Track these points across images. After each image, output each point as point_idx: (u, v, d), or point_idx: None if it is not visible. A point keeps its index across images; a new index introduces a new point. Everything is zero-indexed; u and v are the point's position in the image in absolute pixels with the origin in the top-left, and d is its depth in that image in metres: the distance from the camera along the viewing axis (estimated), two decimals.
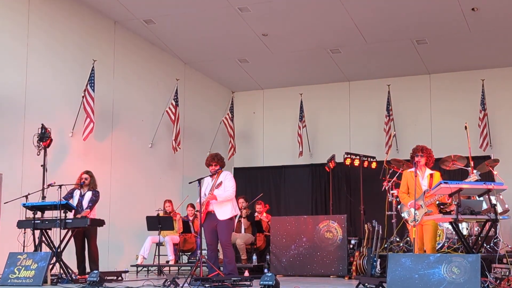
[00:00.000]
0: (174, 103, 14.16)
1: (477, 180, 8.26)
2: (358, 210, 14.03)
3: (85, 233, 9.70)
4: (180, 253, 12.63)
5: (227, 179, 8.79)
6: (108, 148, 12.98)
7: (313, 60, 15.16)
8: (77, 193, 9.92)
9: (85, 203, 9.78)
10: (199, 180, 8.75)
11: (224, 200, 8.72)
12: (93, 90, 12.00)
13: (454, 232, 9.16)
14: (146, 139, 14.07)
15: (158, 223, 11.76)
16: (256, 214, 12.65)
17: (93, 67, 12.08)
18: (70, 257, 9.74)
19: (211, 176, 8.89)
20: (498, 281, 6.93)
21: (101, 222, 9.62)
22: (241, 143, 16.80)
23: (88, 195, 9.84)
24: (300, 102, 16.00)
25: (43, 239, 9.24)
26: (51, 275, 8.69)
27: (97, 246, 9.84)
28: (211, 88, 16.57)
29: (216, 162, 8.84)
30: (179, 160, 15.02)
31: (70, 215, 9.42)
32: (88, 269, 9.78)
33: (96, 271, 8.38)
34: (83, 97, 11.95)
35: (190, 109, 15.52)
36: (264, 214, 12.76)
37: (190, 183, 9.17)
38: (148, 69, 14.32)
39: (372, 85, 15.96)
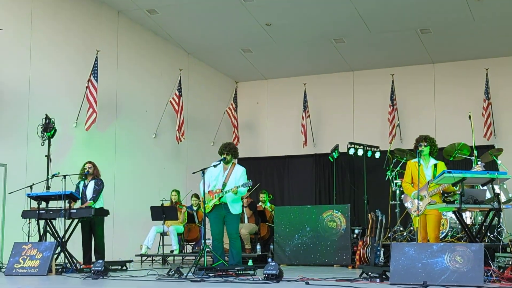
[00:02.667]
0: (177, 93, 14.17)
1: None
2: (361, 199, 14.05)
3: (91, 223, 9.72)
4: (184, 243, 12.67)
5: (243, 177, 8.69)
6: (112, 138, 13.00)
7: (317, 50, 15.13)
8: (81, 184, 9.92)
9: (89, 193, 9.76)
10: (203, 170, 8.72)
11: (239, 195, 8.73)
12: (97, 81, 12.01)
13: (457, 222, 9.15)
14: (150, 129, 14.09)
15: (162, 213, 11.80)
16: (259, 203, 12.66)
17: (96, 57, 12.09)
18: (74, 247, 9.78)
19: (218, 164, 8.80)
20: (502, 270, 6.92)
21: (105, 212, 9.66)
22: (245, 133, 16.80)
23: (91, 184, 9.82)
24: (304, 92, 15.98)
25: (48, 229, 9.27)
26: (56, 265, 8.73)
27: (104, 236, 9.85)
28: (214, 78, 16.56)
29: (227, 151, 8.71)
30: (183, 150, 15.03)
31: (76, 205, 9.46)
32: (94, 259, 9.81)
33: (100, 261, 8.41)
34: (86, 87, 11.96)
35: (194, 99, 15.51)
36: (268, 204, 12.77)
37: (194, 173, 9.17)
38: (152, 59, 14.30)
39: (376, 74, 15.92)
